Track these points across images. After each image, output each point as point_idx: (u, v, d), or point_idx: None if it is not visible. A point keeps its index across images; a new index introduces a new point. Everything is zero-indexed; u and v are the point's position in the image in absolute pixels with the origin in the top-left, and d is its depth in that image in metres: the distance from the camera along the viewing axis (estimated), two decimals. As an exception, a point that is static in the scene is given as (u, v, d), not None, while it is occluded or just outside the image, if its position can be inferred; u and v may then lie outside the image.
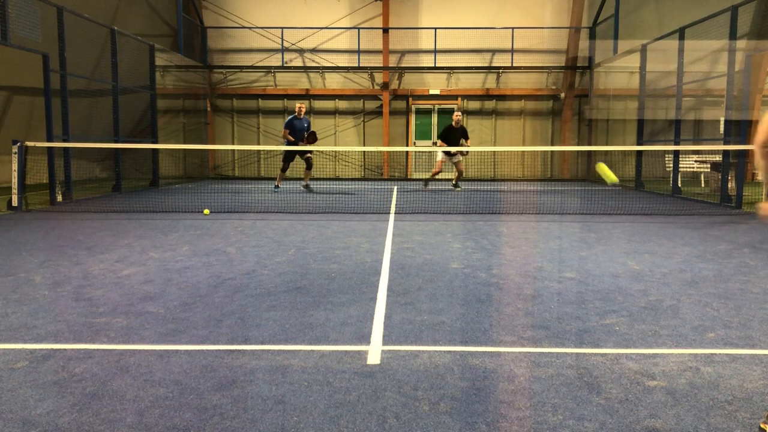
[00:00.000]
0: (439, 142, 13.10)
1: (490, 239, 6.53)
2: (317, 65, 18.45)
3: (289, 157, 12.56)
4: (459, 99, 18.34)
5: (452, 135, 12.91)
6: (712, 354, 3.02)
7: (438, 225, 7.67)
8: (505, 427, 2.24)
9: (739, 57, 10.30)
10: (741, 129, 10.07)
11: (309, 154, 12.69)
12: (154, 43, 13.97)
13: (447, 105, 18.56)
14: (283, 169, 12.75)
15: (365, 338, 3.22)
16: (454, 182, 13.78)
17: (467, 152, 13.58)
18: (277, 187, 13.01)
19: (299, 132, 12.35)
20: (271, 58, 18.45)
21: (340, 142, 18.47)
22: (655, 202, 10.82)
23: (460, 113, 13.08)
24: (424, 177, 13.69)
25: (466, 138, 13.06)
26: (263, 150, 18.47)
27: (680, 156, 12.75)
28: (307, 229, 7.22)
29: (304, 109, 12.46)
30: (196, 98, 18.00)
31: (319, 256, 5.54)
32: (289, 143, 12.32)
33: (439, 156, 13.31)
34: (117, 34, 12.11)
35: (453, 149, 12.68)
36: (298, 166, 13.91)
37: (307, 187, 12.90)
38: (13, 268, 4.93)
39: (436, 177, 14.27)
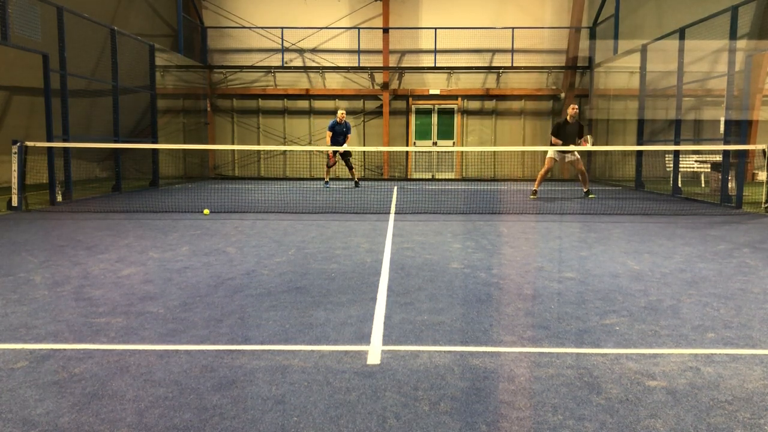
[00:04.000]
0: (553, 139, 11.40)
1: (490, 239, 6.53)
2: (317, 65, 18.45)
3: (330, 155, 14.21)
4: (459, 99, 18.35)
5: (565, 132, 11.14)
6: (712, 354, 3.02)
7: (438, 225, 7.67)
8: (505, 427, 2.24)
9: (739, 57, 10.30)
10: (741, 129, 10.07)
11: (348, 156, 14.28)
12: (154, 43, 13.97)
13: (447, 105, 18.57)
14: (329, 165, 14.35)
15: (365, 338, 3.22)
16: (585, 189, 11.77)
17: (579, 152, 11.33)
18: (327, 183, 14.42)
19: (339, 135, 13.87)
20: (271, 58, 18.45)
21: (340, 142, 18.47)
22: (655, 202, 10.82)
23: (576, 106, 11.22)
24: (533, 188, 11.75)
25: (581, 135, 11.28)
26: (263, 150, 18.47)
27: (680, 156, 12.75)
28: (307, 229, 7.22)
29: (344, 115, 13.92)
30: (196, 98, 18.00)
31: (319, 256, 5.53)
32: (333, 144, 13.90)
33: (550, 153, 11.45)
34: (117, 34, 12.10)
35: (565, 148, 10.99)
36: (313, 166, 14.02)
37: (356, 183, 14.41)
38: (13, 268, 4.93)
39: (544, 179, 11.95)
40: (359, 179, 14.89)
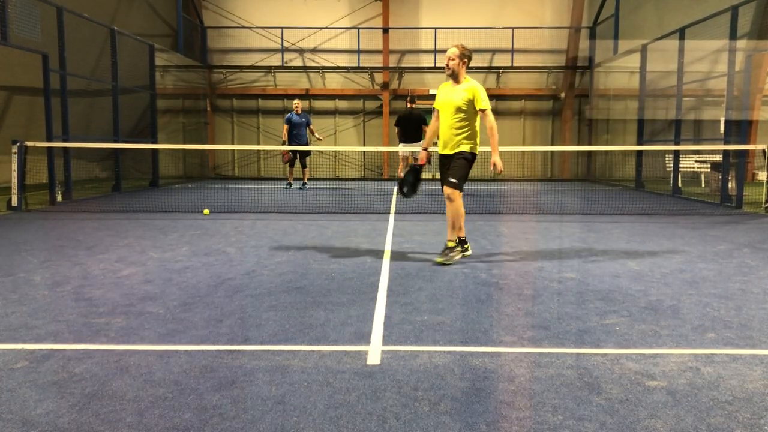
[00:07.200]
0: (397, 130, 10.93)
1: (490, 239, 6.53)
2: (317, 65, 18.45)
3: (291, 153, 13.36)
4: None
5: (408, 123, 10.71)
6: (712, 354, 3.02)
7: (438, 225, 7.67)
8: (505, 427, 2.24)
9: (739, 57, 10.30)
10: (741, 129, 10.07)
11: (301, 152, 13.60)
12: (154, 43, 13.97)
13: (447, 105, 18.55)
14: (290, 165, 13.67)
15: (365, 338, 3.22)
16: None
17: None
18: (289, 184, 13.76)
19: (295, 126, 13.09)
20: (271, 58, 18.45)
21: (340, 142, 18.47)
22: (655, 202, 10.82)
23: (411, 91, 10.74)
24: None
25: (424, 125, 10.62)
26: (263, 150, 18.47)
27: (680, 156, 12.74)
28: (307, 229, 7.22)
29: (299, 106, 13.27)
30: (196, 98, 18.00)
31: (319, 256, 5.53)
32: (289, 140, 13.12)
33: (400, 150, 11.14)
34: (117, 34, 12.10)
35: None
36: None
37: (303, 185, 13.71)
38: (13, 268, 4.92)
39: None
40: (308, 180, 14.02)
